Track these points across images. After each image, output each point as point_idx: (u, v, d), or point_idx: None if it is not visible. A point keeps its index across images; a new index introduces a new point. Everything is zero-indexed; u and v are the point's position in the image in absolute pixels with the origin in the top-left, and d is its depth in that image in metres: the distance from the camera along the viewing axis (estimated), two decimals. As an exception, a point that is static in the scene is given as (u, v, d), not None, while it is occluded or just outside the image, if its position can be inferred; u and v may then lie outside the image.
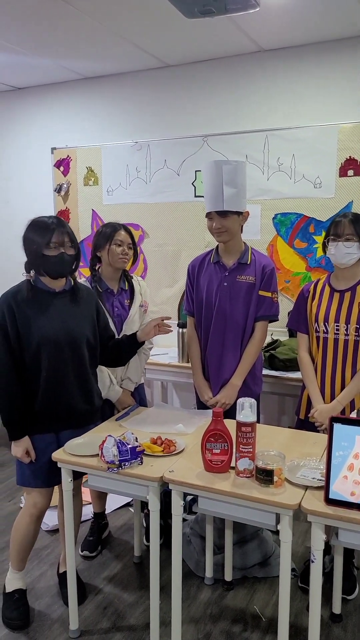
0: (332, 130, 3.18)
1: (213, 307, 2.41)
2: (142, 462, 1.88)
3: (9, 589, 2.26)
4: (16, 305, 2.01)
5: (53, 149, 4.10)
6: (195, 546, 2.59)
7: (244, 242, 2.46)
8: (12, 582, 2.27)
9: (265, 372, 3.06)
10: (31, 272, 2.06)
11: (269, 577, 2.47)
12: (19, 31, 3.02)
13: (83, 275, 4.03)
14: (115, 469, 1.84)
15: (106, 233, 2.46)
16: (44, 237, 1.97)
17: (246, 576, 2.49)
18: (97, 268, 2.54)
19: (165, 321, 2.28)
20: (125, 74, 3.77)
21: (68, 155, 4.04)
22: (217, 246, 2.48)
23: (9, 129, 4.31)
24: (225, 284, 2.40)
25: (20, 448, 2.06)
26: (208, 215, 2.36)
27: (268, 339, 3.27)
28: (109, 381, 2.50)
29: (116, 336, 2.38)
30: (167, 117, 3.67)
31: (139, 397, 2.67)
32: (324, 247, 2.28)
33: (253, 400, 1.76)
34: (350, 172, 3.17)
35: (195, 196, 3.60)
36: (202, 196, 3.40)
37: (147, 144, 3.73)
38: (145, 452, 1.93)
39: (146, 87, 3.72)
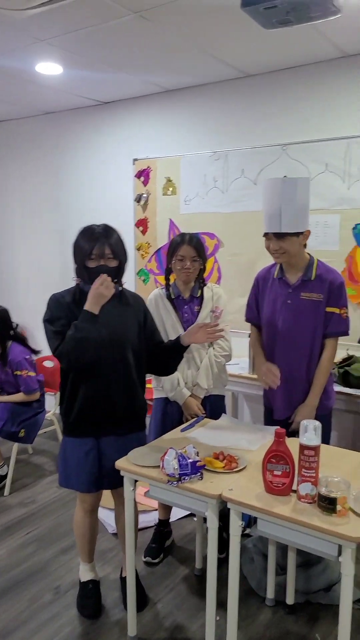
0: None
1: (277, 326, 2.37)
2: (202, 478, 1.87)
3: (83, 579, 2.43)
4: (66, 304, 2.10)
5: (135, 160, 4.21)
6: (257, 564, 2.54)
7: (309, 254, 2.38)
8: (84, 573, 2.44)
9: (339, 389, 2.98)
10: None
11: (333, 605, 2.37)
12: (105, 50, 3.14)
13: (159, 283, 4.13)
14: (175, 482, 1.85)
15: (171, 247, 2.53)
16: (87, 247, 2.03)
17: (309, 601, 2.41)
18: (170, 278, 2.62)
19: (225, 328, 2.27)
20: (205, 85, 3.79)
21: (148, 166, 4.13)
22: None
23: (94, 141, 4.48)
24: (289, 301, 2.35)
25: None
26: (266, 235, 2.30)
27: (343, 354, 3.18)
28: (177, 382, 2.52)
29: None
30: (245, 126, 3.66)
31: (211, 407, 2.64)
32: None
33: (318, 422, 1.70)
34: None
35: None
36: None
37: (225, 153, 3.73)
38: (206, 467, 1.92)
39: (225, 98, 3.72)
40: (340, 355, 2.99)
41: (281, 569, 2.45)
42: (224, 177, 3.75)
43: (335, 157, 3.28)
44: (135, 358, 2.18)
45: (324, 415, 2.31)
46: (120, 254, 2.09)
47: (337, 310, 2.32)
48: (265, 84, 3.54)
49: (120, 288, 2.19)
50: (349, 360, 3.14)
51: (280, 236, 2.21)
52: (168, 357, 2.29)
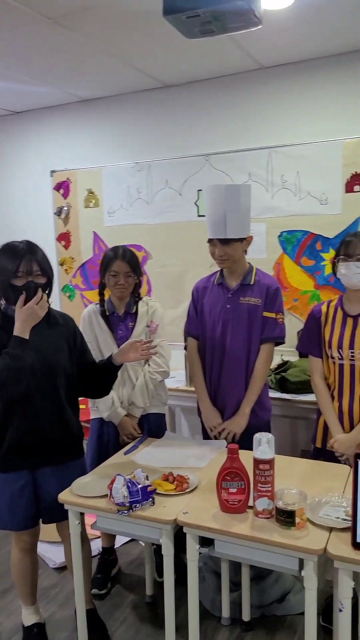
0: (336, 146, 3.12)
1: (217, 330, 2.36)
2: (153, 503, 1.78)
3: (26, 624, 2.24)
4: None
5: (52, 172, 4.06)
6: (210, 583, 2.47)
7: (249, 263, 2.42)
8: (28, 617, 2.25)
9: (276, 395, 2.99)
10: (2, 300, 1.96)
11: (288, 615, 2.35)
12: (17, 58, 2.98)
13: (86, 299, 3.99)
14: (126, 511, 1.74)
15: (103, 262, 2.44)
16: (12, 266, 1.87)
17: (265, 614, 2.37)
18: (105, 293, 2.52)
19: (162, 343, 2.25)
20: (125, 95, 3.73)
21: (68, 178, 4.00)
22: (221, 269, 2.44)
23: (8, 153, 4.27)
24: (229, 306, 2.35)
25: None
26: (210, 241, 2.29)
27: (278, 360, 3.21)
28: (111, 402, 2.43)
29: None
30: (167, 137, 3.62)
31: (149, 427, 2.54)
32: (334, 267, 2.20)
33: (270, 435, 1.68)
34: (357, 188, 3.10)
35: (199, 215, 3.55)
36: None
37: (148, 164, 3.68)
38: (157, 491, 1.83)
39: (146, 108, 3.67)
40: (275, 361, 3.01)
41: (234, 585, 2.39)
42: (148, 188, 3.70)
43: (258, 166, 3.33)
44: (67, 383, 2.03)
45: (259, 427, 2.27)
46: (47, 269, 1.95)
47: (273, 315, 2.33)
48: (185, 95, 3.54)
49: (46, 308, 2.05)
50: (284, 365, 3.17)
51: (225, 242, 2.21)
52: (101, 378, 2.14)
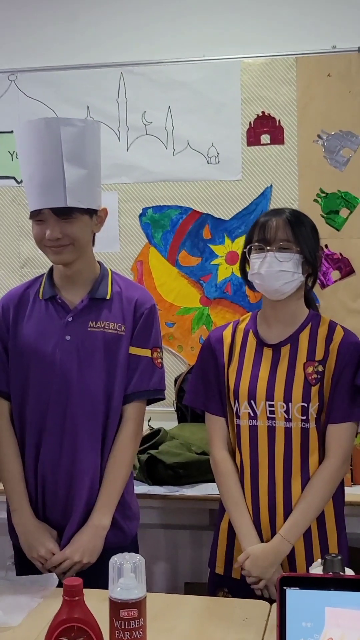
0: (231, 69, 2.38)
1: (49, 380, 1.81)
2: None
3: None
4: None
5: None
6: None
7: (100, 263, 1.90)
8: None
9: (142, 489, 2.20)
10: None
11: None
12: None
13: None
14: None
15: None
16: None
17: None
18: None
19: None
20: None
21: None
22: (51, 270, 1.86)
23: None
24: (69, 337, 1.83)
25: None
26: (35, 215, 1.75)
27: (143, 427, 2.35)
28: None
29: None
30: None
31: None
32: (243, 265, 1.70)
33: (138, 557, 1.15)
34: (265, 138, 2.40)
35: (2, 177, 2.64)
36: (14, 178, 2.65)
37: None
38: None
39: None
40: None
41: None
42: None
43: (103, 96, 2.59)
44: None
45: (123, 548, 1.56)
46: None
47: (147, 353, 1.86)
48: None
49: None
50: (154, 437, 2.35)
51: (64, 214, 1.72)
52: None
